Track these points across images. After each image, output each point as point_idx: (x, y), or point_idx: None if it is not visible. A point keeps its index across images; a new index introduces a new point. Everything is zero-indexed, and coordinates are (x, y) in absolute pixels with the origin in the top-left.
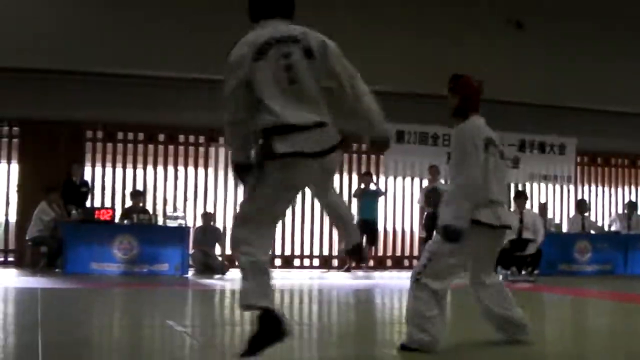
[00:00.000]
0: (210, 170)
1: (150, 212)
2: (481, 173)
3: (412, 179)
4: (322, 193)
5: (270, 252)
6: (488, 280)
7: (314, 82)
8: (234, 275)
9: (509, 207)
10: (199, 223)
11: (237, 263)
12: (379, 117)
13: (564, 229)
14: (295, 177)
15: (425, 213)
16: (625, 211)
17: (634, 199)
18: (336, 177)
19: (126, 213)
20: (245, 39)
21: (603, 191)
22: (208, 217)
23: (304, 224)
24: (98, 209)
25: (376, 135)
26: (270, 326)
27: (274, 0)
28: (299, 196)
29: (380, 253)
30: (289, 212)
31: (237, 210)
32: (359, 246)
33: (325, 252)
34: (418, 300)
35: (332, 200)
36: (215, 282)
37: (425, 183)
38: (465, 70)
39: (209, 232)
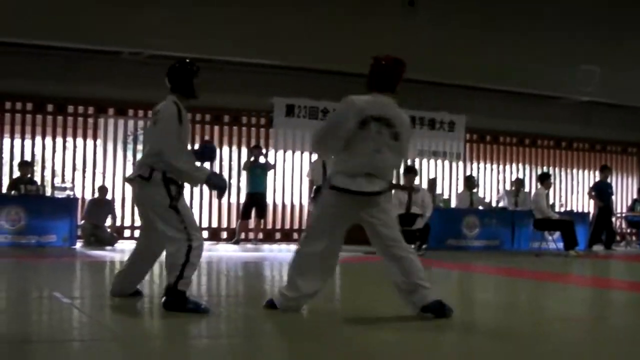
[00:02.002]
0: (99, 141)
1: (39, 183)
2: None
3: (302, 153)
4: None
5: None
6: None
7: None
8: (123, 246)
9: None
10: (89, 195)
11: None
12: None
13: (453, 204)
14: None
15: (315, 186)
16: (513, 188)
17: (521, 177)
18: (225, 150)
19: (14, 184)
20: None
21: (491, 168)
22: (104, 191)
23: (192, 197)
24: None
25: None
26: None
27: None
28: None
29: (270, 226)
30: None
31: None
32: None
33: (214, 225)
34: None
35: None
36: (104, 253)
37: (315, 157)
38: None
39: (103, 205)
